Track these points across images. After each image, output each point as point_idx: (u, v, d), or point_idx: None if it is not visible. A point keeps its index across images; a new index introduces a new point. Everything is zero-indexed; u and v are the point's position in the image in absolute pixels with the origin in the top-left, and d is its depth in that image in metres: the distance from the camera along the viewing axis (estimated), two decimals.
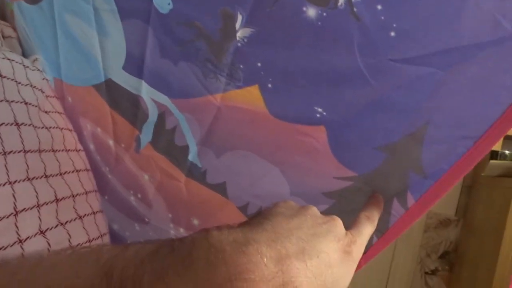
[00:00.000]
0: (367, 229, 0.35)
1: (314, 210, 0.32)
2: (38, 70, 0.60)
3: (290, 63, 0.40)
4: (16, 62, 0.55)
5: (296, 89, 0.41)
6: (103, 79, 0.56)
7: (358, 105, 0.39)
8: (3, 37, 0.65)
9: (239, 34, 0.40)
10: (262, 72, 0.42)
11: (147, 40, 0.47)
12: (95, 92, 0.58)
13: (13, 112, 0.50)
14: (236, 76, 0.43)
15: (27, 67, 0.58)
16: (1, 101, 0.49)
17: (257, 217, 0.28)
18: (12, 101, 0.50)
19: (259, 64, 0.41)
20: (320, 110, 0.41)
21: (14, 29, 0.67)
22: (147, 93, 0.52)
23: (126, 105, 0.56)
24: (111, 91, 0.56)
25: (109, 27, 0.49)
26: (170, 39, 0.45)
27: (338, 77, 0.38)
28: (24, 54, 0.67)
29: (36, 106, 0.55)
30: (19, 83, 0.53)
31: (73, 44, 0.56)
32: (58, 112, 0.61)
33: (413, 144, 0.39)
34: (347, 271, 0.29)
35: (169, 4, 0.42)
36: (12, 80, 0.52)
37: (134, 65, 0.50)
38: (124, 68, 0.52)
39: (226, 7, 0.39)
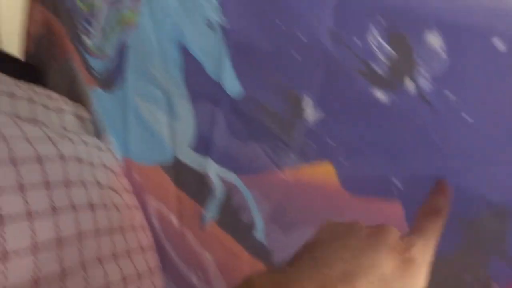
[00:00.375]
0: (431, 224, 0.30)
1: (359, 226, 0.28)
2: (110, 150, 0.63)
3: (362, 140, 0.39)
4: (92, 145, 0.58)
5: (370, 163, 0.40)
6: (170, 158, 0.57)
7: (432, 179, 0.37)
8: (80, 118, 0.70)
9: (308, 114, 0.40)
10: (333, 148, 0.41)
11: (216, 121, 0.48)
12: (161, 171, 0.60)
13: (87, 194, 0.52)
14: (307, 152, 0.43)
15: (101, 148, 0.61)
16: (78, 183, 0.51)
17: (299, 252, 0.26)
18: (87, 183, 0.52)
19: (330, 141, 0.41)
20: (396, 183, 0.39)
21: (89, 111, 0.72)
22: (214, 170, 0.52)
23: (192, 183, 0.57)
24: (178, 170, 0.57)
25: (179, 109, 0.51)
26: (239, 120, 0.46)
27: (413, 151, 0.37)
28: (97, 135, 0.71)
29: (108, 187, 0.57)
30: (93, 165, 0.56)
31: (143, 126, 0.58)
32: (127, 191, 0.63)
33: (497, 222, 0.35)
34: (413, 280, 0.25)
35: (238, 88, 0.44)
36: (87, 163, 0.55)
37: (202, 144, 0.51)
38: (192, 147, 0.53)
39: (294, 90, 0.40)
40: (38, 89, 0.68)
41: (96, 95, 0.67)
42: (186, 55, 0.47)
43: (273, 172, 0.47)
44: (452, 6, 0.28)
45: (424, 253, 0.26)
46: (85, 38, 0.61)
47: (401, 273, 0.24)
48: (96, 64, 0.62)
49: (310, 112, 0.40)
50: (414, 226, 0.30)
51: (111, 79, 0.60)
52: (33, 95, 0.64)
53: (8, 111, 0.58)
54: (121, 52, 0.55)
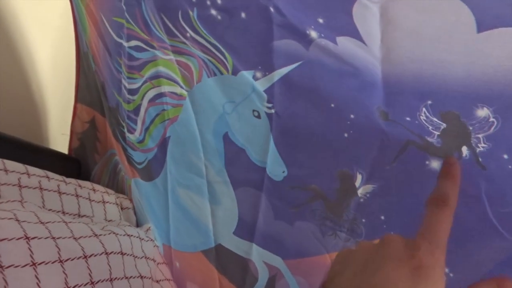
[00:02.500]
0: (437, 217, 0.27)
1: (365, 244, 0.27)
2: (151, 239, 0.64)
3: (417, 213, 0.38)
4: (134, 236, 0.59)
5: None
6: (213, 245, 0.57)
7: (490, 263, 0.35)
8: (122, 208, 0.71)
9: (360, 191, 0.39)
10: (385, 225, 0.40)
11: (259, 205, 0.48)
12: (203, 258, 0.59)
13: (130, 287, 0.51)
14: (358, 231, 0.42)
15: (142, 239, 0.61)
16: (122, 278, 0.50)
17: None
18: (130, 277, 0.52)
19: (382, 217, 0.40)
20: (446, 271, 0.37)
21: (131, 200, 0.74)
22: (258, 255, 0.51)
23: (234, 269, 0.55)
24: (220, 256, 0.57)
25: (221, 196, 0.52)
26: (284, 203, 0.46)
27: (465, 232, 0.35)
28: (138, 223, 0.72)
29: (149, 278, 0.56)
30: (136, 257, 0.56)
31: (184, 214, 0.59)
32: (168, 279, 0.62)
33: None
34: (428, 286, 0.23)
35: (283, 172, 0.44)
36: (130, 255, 0.55)
37: (246, 229, 0.51)
38: (235, 233, 0.53)
39: (343, 169, 0.40)
40: (83, 183, 0.71)
41: (137, 185, 0.69)
42: (228, 143, 0.48)
43: (321, 255, 0.45)
44: (496, 80, 0.29)
45: (432, 254, 0.25)
46: (127, 133, 0.65)
47: (412, 283, 0.23)
48: (138, 156, 0.65)
49: (361, 189, 0.39)
50: (420, 225, 0.28)
51: (151, 170, 0.62)
52: (78, 190, 0.67)
53: (56, 208, 0.60)
54: (162, 144, 0.58)
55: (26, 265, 0.41)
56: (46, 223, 0.48)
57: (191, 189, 0.56)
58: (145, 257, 0.59)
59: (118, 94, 0.64)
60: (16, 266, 0.40)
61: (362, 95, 0.36)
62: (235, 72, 0.44)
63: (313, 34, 0.36)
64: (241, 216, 0.51)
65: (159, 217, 0.65)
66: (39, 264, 0.42)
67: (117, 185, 0.78)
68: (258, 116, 0.44)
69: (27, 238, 0.43)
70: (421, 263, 0.24)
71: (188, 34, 0.46)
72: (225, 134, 0.48)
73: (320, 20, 0.35)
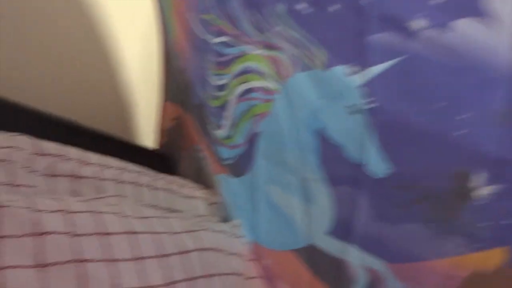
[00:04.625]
0: None
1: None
2: (240, 236, 0.63)
3: None
4: (225, 232, 0.59)
5: None
6: (304, 244, 0.55)
7: None
8: (209, 203, 0.72)
9: (480, 192, 0.35)
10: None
11: (358, 204, 0.45)
12: (294, 257, 0.57)
13: (224, 283, 0.51)
14: (476, 236, 0.37)
15: (232, 235, 0.61)
16: (217, 275, 0.51)
17: None
18: (224, 274, 0.52)
19: (506, 222, 0.35)
20: None
21: (217, 196, 0.74)
22: (357, 258, 0.48)
23: (329, 271, 0.53)
24: (313, 256, 0.54)
25: (315, 194, 0.50)
26: (387, 202, 0.42)
27: None
28: (225, 219, 0.72)
29: (241, 275, 0.56)
30: (228, 253, 0.56)
31: (274, 212, 0.58)
32: (258, 277, 0.61)
33: None
34: None
35: (387, 169, 0.41)
36: (223, 252, 0.55)
37: (342, 230, 0.48)
38: (329, 233, 0.50)
39: (460, 168, 0.35)
40: (173, 179, 0.73)
41: (225, 182, 0.69)
42: (324, 140, 0.46)
43: (430, 261, 0.41)
44: None
45: None
46: (214, 130, 0.65)
47: None
48: (225, 152, 0.65)
49: (482, 190, 0.35)
50: None
51: (240, 166, 0.62)
52: (169, 185, 0.69)
53: (150, 203, 0.62)
54: (251, 140, 0.57)
55: (129, 259, 0.42)
56: (145, 218, 0.49)
57: (282, 186, 0.54)
58: (236, 254, 0.59)
59: (204, 91, 0.65)
60: (121, 261, 0.42)
61: (481, 93, 0.32)
62: (327, 67, 0.41)
63: (420, 23, 0.32)
64: (337, 216, 0.48)
65: (247, 213, 0.64)
66: (142, 259, 0.43)
67: (203, 181, 0.79)
68: (354, 112, 0.41)
69: (130, 233, 0.45)
70: None
71: (278, 28, 0.44)
72: (320, 129, 0.45)
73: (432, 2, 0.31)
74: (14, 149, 0.53)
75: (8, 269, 0.34)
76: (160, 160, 0.88)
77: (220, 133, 0.64)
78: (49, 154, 0.57)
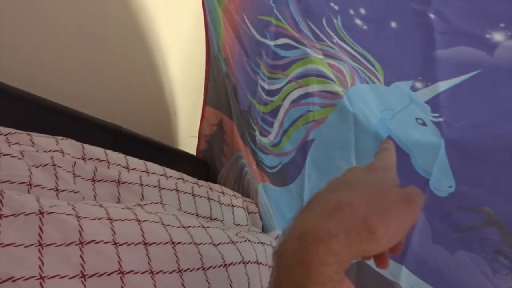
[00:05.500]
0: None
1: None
2: None
3: None
4: (267, 244, 0.57)
5: None
6: (353, 260, 0.52)
7: None
8: (248, 212, 0.71)
9: None
10: None
11: (416, 223, 0.42)
12: None
13: None
14: None
15: (271, 245, 0.59)
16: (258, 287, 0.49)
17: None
18: (264, 285, 0.50)
19: None
20: None
21: (257, 205, 0.72)
22: (407, 281, 0.45)
23: None
24: (361, 274, 0.51)
25: None
26: (447, 224, 0.39)
27: None
28: (264, 229, 0.70)
29: None
30: (270, 266, 0.54)
31: None
32: None
33: None
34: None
35: (450, 187, 0.37)
36: (265, 265, 0.53)
37: None
38: None
39: None
40: (213, 186, 0.72)
41: (266, 190, 0.67)
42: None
43: None
44: None
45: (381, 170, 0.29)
46: (259, 136, 0.63)
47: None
48: (270, 160, 0.63)
49: None
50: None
51: (285, 175, 0.60)
52: (209, 192, 0.68)
53: (191, 210, 0.61)
54: (301, 147, 0.54)
55: (173, 271, 0.41)
56: (188, 227, 0.48)
57: None
58: None
59: (253, 96, 0.63)
60: (164, 272, 0.40)
61: None
62: (387, 82, 0.39)
63: (498, 36, 0.29)
64: None
65: (285, 221, 0.62)
66: (184, 271, 0.41)
67: (243, 189, 0.78)
68: (424, 124, 0.38)
69: (173, 243, 0.43)
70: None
71: (334, 40, 0.42)
72: (388, 137, 0.43)
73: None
74: (59, 153, 0.53)
75: (49, 278, 0.33)
76: (200, 166, 0.87)
77: (267, 140, 0.62)
78: (93, 159, 0.57)
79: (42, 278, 0.33)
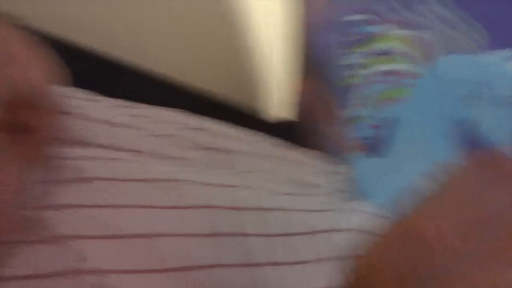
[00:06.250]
0: None
1: None
2: (372, 215, 0.64)
3: None
4: (361, 211, 0.60)
5: None
6: None
7: None
8: (340, 179, 0.74)
9: None
10: None
11: None
12: None
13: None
14: None
15: (364, 213, 0.62)
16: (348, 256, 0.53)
17: None
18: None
19: None
20: None
21: (348, 171, 0.75)
22: None
23: None
24: None
25: None
26: None
27: None
28: (356, 195, 0.73)
29: None
30: (359, 232, 0.57)
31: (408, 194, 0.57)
32: None
33: None
34: None
35: None
36: (353, 231, 0.56)
37: None
38: None
39: None
40: (306, 151, 0.76)
41: (357, 159, 0.69)
42: (469, 131, 0.43)
43: None
44: None
45: None
46: (345, 109, 0.66)
47: None
48: (360, 131, 0.65)
49: None
50: None
51: (375, 147, 0.61)
52: (302, 158, 0.72)
53: (286, 176, 0.67)
54: (385, 123, 0.56)
55: (260, 235, 0.47)
56: (284, 194, 0.53)
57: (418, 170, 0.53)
58: (368, 233, 0.60)
59: (335, 70, 0.65)
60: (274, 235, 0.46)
61: None
62: (488, 50, 0.38)
63: None
64: None
65: (379, 194, 0.64)
66: (272, 236, 0.47)
67: (334, 156, 0.81)
68: (506, 104, 0.37)
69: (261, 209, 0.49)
70: None
71: (431, 6, 0.41)
72: (469, 121, 0.42)
73: None
74: (179, 125, 0.61)
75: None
76: (293, 133, 0.92)
77: (351, 112, 0.64)
78: (203, 129, 0.65)
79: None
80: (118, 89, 0.60)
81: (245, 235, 0.45)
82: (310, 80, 0.87)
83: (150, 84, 0.73)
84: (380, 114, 0.57)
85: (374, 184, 0.66)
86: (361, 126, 0.64)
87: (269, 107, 1.03)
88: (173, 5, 0.84)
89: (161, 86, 0.75)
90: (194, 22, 0.89)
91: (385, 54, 0.50)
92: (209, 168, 0.58)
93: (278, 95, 1.02)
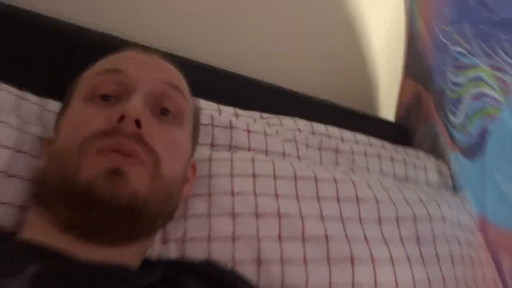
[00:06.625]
0: None
1: None
2: (467, 210, 0.74)
3: None
4: (452, 205, 0.71)
5: None
6: None
7: None
8: (441, 175, 0.83)
9: None
10: None
11: None
12: None
13: (449, 248, 0.65)
14: None
15: (459, 208, 0.72)
16: (442, 240, 0.64)
17: None
18: (449, 240, 0.65)
19: None
20: None
21: (449, 169, 0.84)
22: None
23: None
24: None
25: None
26: None
27: None
28: (455, 191, 0.82)
29: (466, 243, 0.68)
30: (454, 223, 0.68)
31: (499, 195, 0.66)
32: (481, 247, 0.71)
33: None
34: None
35: None
36: (449, 221, 0.68)
37: None
38: None
39: None
40: (409, 151, 0.86)
41: (457, 158, 0.79)
42: None
43: None
44: None
45: None
46: (450, 114, 0.75)
47: None
48: (458, 136, 0.75)
49: None
50: None
51: (471, 151, 0.71)
52: (405, 157, 0.83)
53: (389, 173, 0.79)
54: (482, 134, 0.65)
55: (374, 220, 0.61)
56: (387, 188, 0.66)
57: (506, 176, 0.62)
58: (461, 224, 0.70)
59: (443, 81, 0.75)
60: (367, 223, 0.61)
61: None
62: None
63: None
64: None
65: (476, 191, 0.74)
66: (383, 223, 0.61)
67: (437, 153, 0.90)
68: None
69: (377, 201, 0.63)
70: None
71: (505, 58, 0.51)
72: None
73: None
74: (297, 131, 0.78)
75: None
76: (398, 132, 1.01)
77: (455, 119, 0.73)
78: (319, 133, 0.80)
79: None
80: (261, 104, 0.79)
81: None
82: (414, 84, 0.96)
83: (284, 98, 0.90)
84: (477, 126, 0.66)
85: (467, 182, 0.76)
86: (460, 132, 0.73)
87: (378, 108, 1.14)
88: (300, 30, 1.00)
89: (293, 98, 0.92)
90: (319, 43, 1.04)
91: (478, 80, 0.60)
92: (334, 166, 0.73)
93: (386, 97, 1.12)
